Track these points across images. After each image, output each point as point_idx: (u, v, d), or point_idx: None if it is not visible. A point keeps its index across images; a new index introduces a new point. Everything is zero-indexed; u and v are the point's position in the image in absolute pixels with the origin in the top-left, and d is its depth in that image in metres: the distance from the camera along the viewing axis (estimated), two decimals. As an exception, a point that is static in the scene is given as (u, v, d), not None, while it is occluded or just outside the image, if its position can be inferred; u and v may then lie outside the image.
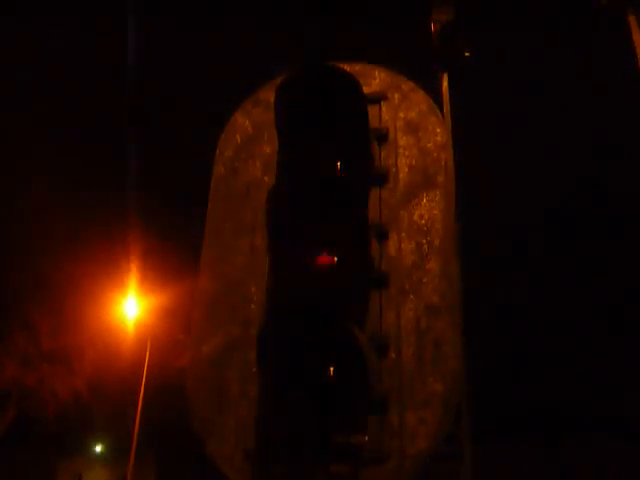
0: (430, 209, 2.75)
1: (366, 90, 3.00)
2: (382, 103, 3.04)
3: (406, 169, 2.86)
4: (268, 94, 3.11)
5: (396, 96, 3.05)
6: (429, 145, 2.90)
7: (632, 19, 4.94)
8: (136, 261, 24.50)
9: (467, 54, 3.74)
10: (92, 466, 36.30)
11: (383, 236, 2.72)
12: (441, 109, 3.15)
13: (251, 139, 3.16)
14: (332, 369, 2.49)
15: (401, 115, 3.00)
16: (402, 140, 2.93)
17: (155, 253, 24.86)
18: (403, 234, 2.72)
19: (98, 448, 37.96)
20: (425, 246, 2.68)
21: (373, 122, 2.98)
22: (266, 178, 2.98)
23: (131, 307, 24.29)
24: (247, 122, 3.20)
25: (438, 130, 2.93)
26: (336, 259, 2.63)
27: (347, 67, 3.02)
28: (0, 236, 23.40)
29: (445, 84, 3.77)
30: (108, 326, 25.03)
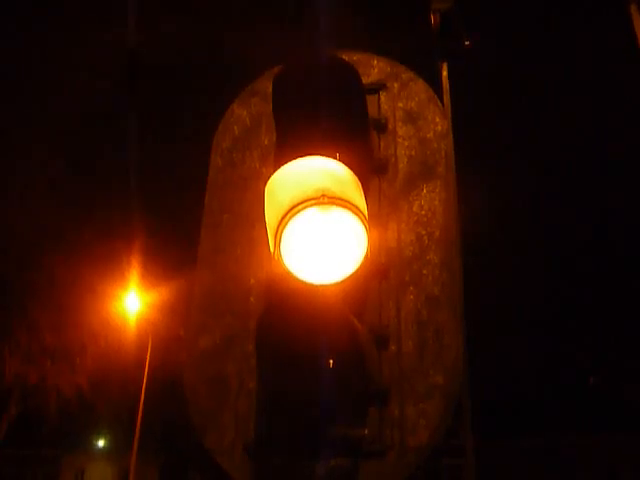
0: (430, 200, 2.71)
1: (365, 80, 2.97)
2: (381, 93, 3.00)
3: (406, 159, 2.82)
4: (265, 84, 3.08)
5: (395, 85, 3.01)
6: (429, 135, 2.86)
7: (633, 8, 4.90)
8: (137, 256, 24.51)
9: (467, 43, 3.71)
10: (95, 461, 36.45)
11: (382, 227, 2.69)
12: (441, 98, 3.10)
13: (248, 130, 3.12)
14: (331, 362, 2.47)
15: (400, 105, 2.96)
16: (401, 130, 2.90)
17: (156, 248, 24.87)
18: (403, 225, 2.69)
19: (101, 443, 38.11)
20: (425, 237, 2.64)
21: (372, 112, 2.94)
22: (264, 169, 2.94)
23: (133, 302, 24.33)
24: (244, 113, 3.17)
25: (438, 120, 2.89)
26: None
27: (345, 56, 2.98)
28: (1, 233, 23.40)
29: (445, 73, 3.74)
30: (110, 322, 25.07)
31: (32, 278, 23.56)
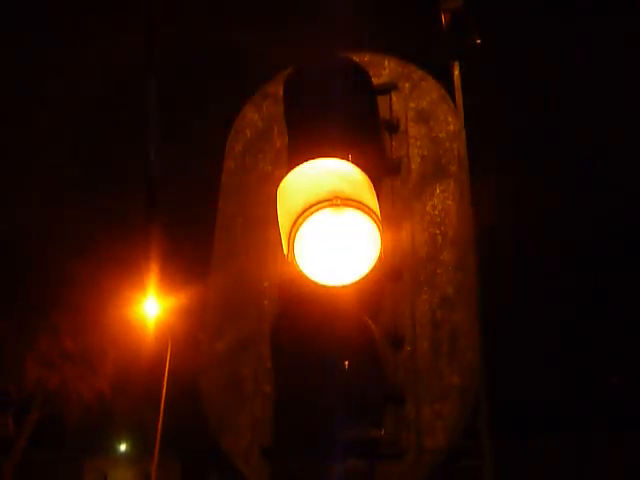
0: (443, 199, 2.70)
1: (376, 80, 2.97)
2: (392, 93, 2.99)
3: (418, 159, 2.81)
4: (277, 87, 3.08)
5: (406, 85, 3.00)
6: (441, 134, 2.85)
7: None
8: (156, 260, 24.62)
9: (478, 41, 3.69)
10: (117, 465, 36.71)
11: (396, 228, 2.67)
12: (453, 98, 3.09)
13: (261, 133, 3.13)
14: (347, 363, 2.46)
15: (412, 105, 2.95)
16: (413, 130, 2.89)
17: (175, 252, 24.98)
18: (416, 225, 2.67)
19: (122, 447, 38.37)
20: (439, 237, 2.63)
21: (383, 112, 2.93)
22: (277, 172, 2.94)
23: (152, 307, 24.46)
24: (257, 116, 3.18)
25: (450, 119, 2.88)
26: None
27: (356, 57, 2.98)
28: (20, 238, 23.64)
29: (456, 72, 3.72)
30: (129, 326, 25.21)
31: (52, 283, 23.75)
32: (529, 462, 26.02)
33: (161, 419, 23.28)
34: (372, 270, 2.50)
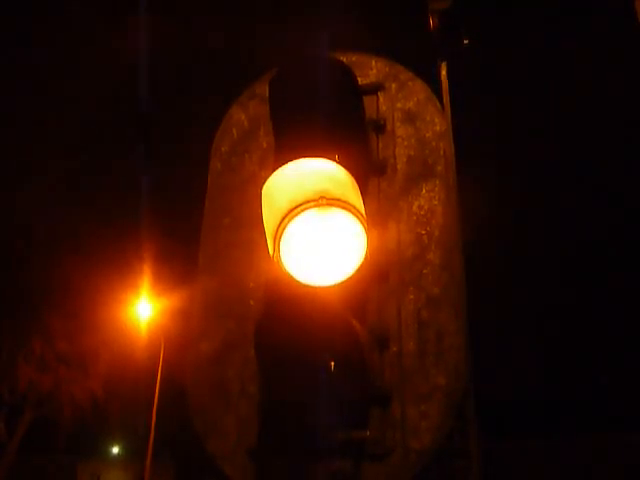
0: (430, 199, 2.70)
1: (363, 80, 2.97)
2: (379, 93, 2.99)
3: (405, 159, 2.81)
4: (264, 87, 3.07)
5: (393, 86, 3.00)
6: (428, 135, 2.85)
7: (638, 3, 4.83)
8: (149, 263, 24.59)
9: (466, 42, 3.69)
10: (110, 467, 36.60)
11: (382, 228, 2.67)
12: (440, 98, 3.09)
13: (247, 133, 3.12)
14: (332, 364, 2.46)
15: (399, 105, 2.95)
16: (400, 130, 2.88)
17: (168, 254, 24.95)
18: (402, 225, 2.67)
19: (115, 449, 38.28)
20: (425, 237, 2.63)
21: (370, 113, 2.93)
22: (263, 172, 2.93)
23: (145, 309, 24.44)
24: (243, 116, 3.17)
25: (437, 119, 2.88)
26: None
27: (343, 57, 2.98)
28: (15, 241, 23.60)
29: (444, 73, 3.72)
30: (122, 328, 25.17)
31: (46, 286, 23.70)
32: (529, 462, 26.03)
33: (154, 421, 23.22)
34: (358, 270, 2.49)
